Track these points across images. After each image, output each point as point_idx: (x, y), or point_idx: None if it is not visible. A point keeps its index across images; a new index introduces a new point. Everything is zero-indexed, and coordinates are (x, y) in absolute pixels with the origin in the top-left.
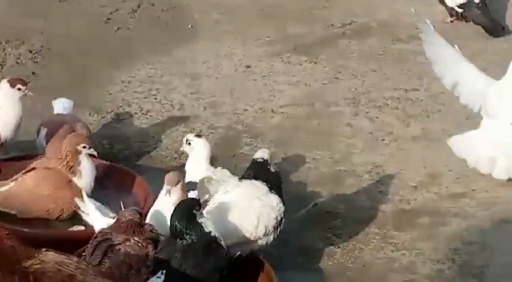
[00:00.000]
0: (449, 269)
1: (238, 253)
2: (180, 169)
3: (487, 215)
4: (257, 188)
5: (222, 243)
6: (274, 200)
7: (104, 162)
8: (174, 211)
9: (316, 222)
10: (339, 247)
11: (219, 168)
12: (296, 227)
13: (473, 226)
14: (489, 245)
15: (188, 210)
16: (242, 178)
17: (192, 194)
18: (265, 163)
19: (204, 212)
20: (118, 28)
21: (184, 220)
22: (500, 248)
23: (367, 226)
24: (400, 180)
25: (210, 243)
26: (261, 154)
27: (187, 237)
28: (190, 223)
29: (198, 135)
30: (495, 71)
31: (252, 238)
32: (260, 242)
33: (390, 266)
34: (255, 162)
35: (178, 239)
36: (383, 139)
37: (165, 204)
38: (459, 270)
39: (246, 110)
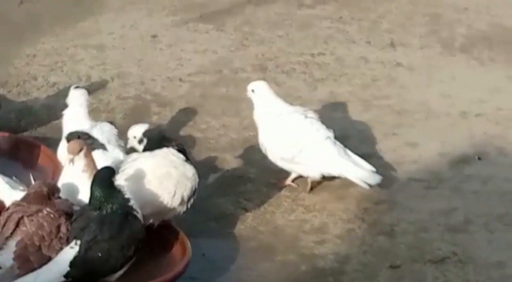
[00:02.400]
0: (359, 228)
1: (151, 221)
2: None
3: (395, 174)
4: (174, 157)
5: (139, 215)
6: (190, 170)
7: (10, 134)
8: (94, 180)
9: (227, 187)
10: (251, 211)
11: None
12: (208, 193)
13: (381, 185)
14: (397, 203)
15: (108, 178)
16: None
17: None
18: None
19: (120, 180)
20: (22, 2)
21: (105, 189)
22: (408, 206)
23: (278, 189)
24: None
25: (126, 214)
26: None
27: (108, 206)
28: (110, 191)
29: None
30: (402, 33)
31: (168, 207)
32: (174, 211)
33: (302, 227)
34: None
35: (96, 209)
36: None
37: (71, 174)
38: (369, 228)
39: (154, 80)
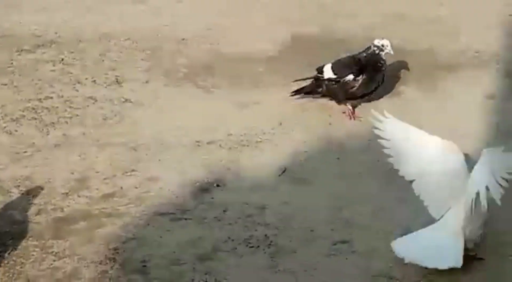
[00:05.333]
0: (112, 269)
1: None
2: None
3: (139, 210)
4: None
5: None
6: None
7: None
8: None
9: None
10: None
11: None
12: None
13: (128, 223)
14: (146, 239)
15: None
16: None
17: None
18: None
19: None
20: None
21: None
22: (157, 240)
23: (25, 239)
24: (50, 189)
25: None
26: None
27: None
28: None
29: None
30: (126, 69)
31: None
32: None
33: (55, 275)
34: None
35: None
36: (25, 152)
37: None
38: (122, 268)
39: None
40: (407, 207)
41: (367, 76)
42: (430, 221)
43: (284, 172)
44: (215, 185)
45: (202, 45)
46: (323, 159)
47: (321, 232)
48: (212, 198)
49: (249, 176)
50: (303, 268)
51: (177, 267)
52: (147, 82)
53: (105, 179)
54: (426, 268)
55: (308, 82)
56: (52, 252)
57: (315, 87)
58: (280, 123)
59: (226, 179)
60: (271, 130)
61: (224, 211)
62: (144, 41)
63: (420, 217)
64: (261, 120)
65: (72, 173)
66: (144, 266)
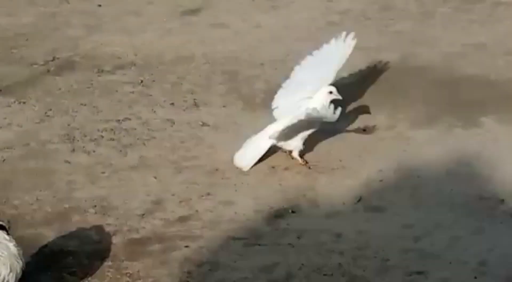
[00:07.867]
0: None
1: None
2: None
3: (214, 234)
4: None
5: None
6: (19, 250)
7: None
8: None
9: (48, 262)
10: None
11: None
12: (29, 271)
13: (202, 246)
14: (219, 263)
15: None
16: None
17: None
18: None
19: None
20: None
21: None
22: (230, 265)
23: (100, 260)
24: (126, 210)
25: None
26: None
27: None
28: None
29: None
30: (203, 93)
31: None
32: None
33: None
34: None
35: None
36: (103, 172)
37: None
38: None
39: None
40: (483, 238)
41: None
42: (508, 253)
43: (360, 200)
44: (290, 211)
45: (280, 70)
46: (398, 187)
47: (396, 262)
48: (287, 224)
49: (324, 203)
50: None
51: None
52: (224, 106)
53: (180, 201)
54: None
55: None
56: (127, 273)
57: None
58: (358, 153)
59: (301, 206)
60: (347, 158)
61: (298, 237)
62: (222, 65)
63: (496, 248)
64: (337, 148)
65: (148, 195)
66: None
